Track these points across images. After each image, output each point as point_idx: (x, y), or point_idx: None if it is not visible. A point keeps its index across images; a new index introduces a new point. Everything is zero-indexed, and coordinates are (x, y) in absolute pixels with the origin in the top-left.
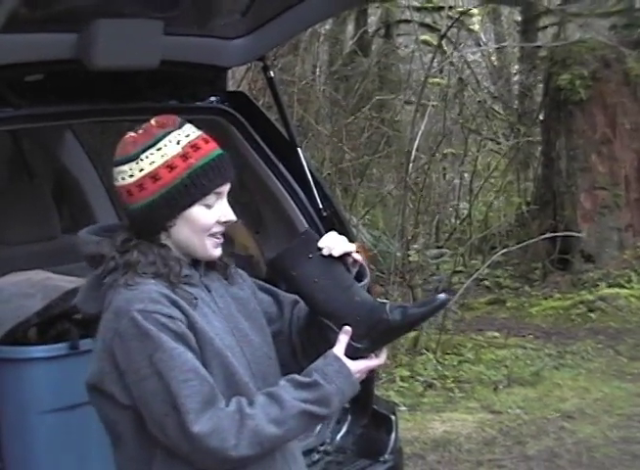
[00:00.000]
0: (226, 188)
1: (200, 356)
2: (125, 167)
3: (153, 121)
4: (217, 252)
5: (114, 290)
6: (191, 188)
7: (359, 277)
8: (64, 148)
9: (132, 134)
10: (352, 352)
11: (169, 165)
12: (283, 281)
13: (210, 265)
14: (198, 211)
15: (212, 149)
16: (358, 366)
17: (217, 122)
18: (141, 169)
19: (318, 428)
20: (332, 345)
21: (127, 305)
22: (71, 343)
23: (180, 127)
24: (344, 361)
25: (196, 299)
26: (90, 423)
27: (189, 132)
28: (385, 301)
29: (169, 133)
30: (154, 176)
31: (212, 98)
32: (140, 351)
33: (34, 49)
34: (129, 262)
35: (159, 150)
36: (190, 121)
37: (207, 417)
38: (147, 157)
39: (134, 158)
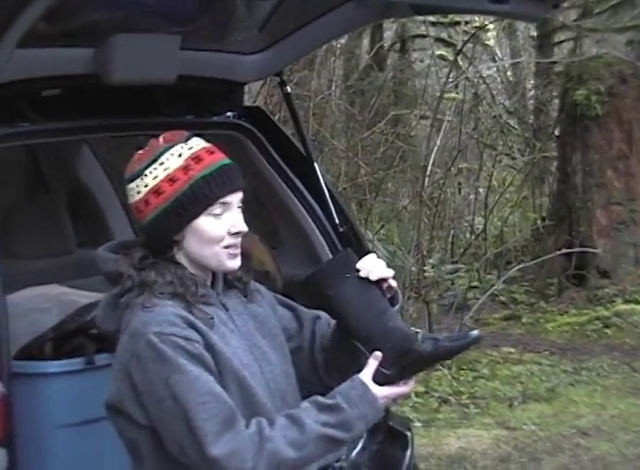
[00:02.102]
0: (235, 198)
1: (217, 377)
2: (133, 185)
3: (160, 138)
4: (234, 263)
5: (131, 310)
6: (193, 199)
7: (392, 302)
8: (80, 162)
9: (139, 152)
10: (380, 378)
11: (171, 179)
12: (317, 298)
13: (229, 283)
14: (205, 222)
15: (216, 159)
16: (384, 392)
17: (234, 137)
18: (146, 185)
19: None
20: (360, 367)
21: (144, 328)
22: (87, 358)
23: (186, 142)
24: (370, 387)
25: (212, 318)
26: (106, 438)
27: (192, 145)
28: (418, 330)
29: (172, 147)
30: (157, 191)
31: (229, 113)
32: (157, 373)
33: (52, 64)
34: (146, 282)
35: (161, 164)
36: (206, 136)
37: (226, 440)
38: (150, 172)
39: (139, 174)
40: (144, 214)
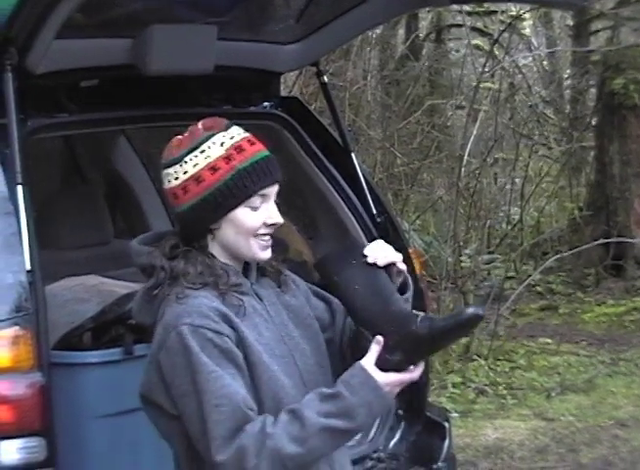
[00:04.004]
0: (273, 190)
1: (246, 372)
2: (171, 170)
3: (199, 124)
4: (265, 254)
5: (165, 303)
6: (234, 190)
7: (403, 288)
8: (117, 153)
9: (178, 137)
10: (385, 365)
11: (212, 167)
12: (326, 283)
13: (263, 273)
14: (243, 213)
15: (257, 151)
16: (388, 379)
17: (271, 127)
18: (185, 172)
19: (371, 434)
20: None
21: (175, 320)
22: (126, 348)
23: (226, 130)
24: (371, 373)
25: (244, 306)
26: (143, 429)
27: (234, 134)
28: (419, 313)
29: (213, 135)
30: (197, 179)
31: (266, 103)
32: (183, 367)
33: (90, 55)
34: (177, 273)
35: (202, 152)
36: (243, 126)
37: (234, 445)
38: (191, 159)
39: (179, 160)
40: (181, 201)
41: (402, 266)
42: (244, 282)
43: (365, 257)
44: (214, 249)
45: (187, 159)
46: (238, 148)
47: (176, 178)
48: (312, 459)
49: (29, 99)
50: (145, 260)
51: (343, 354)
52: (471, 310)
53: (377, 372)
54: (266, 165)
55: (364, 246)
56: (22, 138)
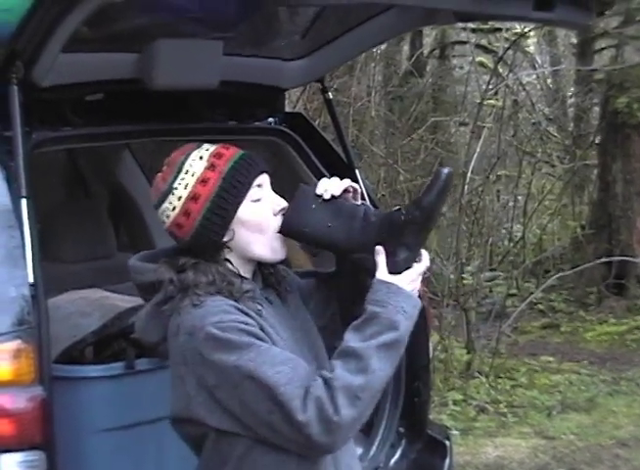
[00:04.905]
0: (265, 179)
1: None
2: (165, 204)
3: (172, 155)
4: (282, 252)
5: (177, 314)
6: (231, 190)
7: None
8: (121, 166)
9: (158, 174)
10: (396, 268)
11: (202, 180)
12: (301, 241)
13: (266, 281)
14: (249, 210)
15: (234, 152)
16: (407, 277)
17: (275, 143)
18: (179, 197)
19: (372, 451)
20: (373, 274)
21: (202, 322)
22: (127, 362)
23: (198, 147)
24: (390, 280)
25: (261, 309)
26: (145, 443)
27: (207, 147)
28: (397, 207)
29: (189, 155)
30: (193, 197)
31: (271, 119)
32: (226, 360)
33: (95, 68)
34: (188, 285)
35: (187, 173)
36: (248, 142)
37: (311, 399)
38: (179, 184)
39: (169, 191)
40: (186, 227)
41: (355, 186)
42: (254, 288)
43: (320, 196)
44: (232, 258)
45: (175, 185)
46: (217, 155)
47: (173, 208)
48: (380, 383)
49: (34, 112)
50: (151, 277)
51: (344, 316)
52: (444, 172)
53: (394, 277)
54: (249, 159)
55: (313, 188)
56: (27, 151)
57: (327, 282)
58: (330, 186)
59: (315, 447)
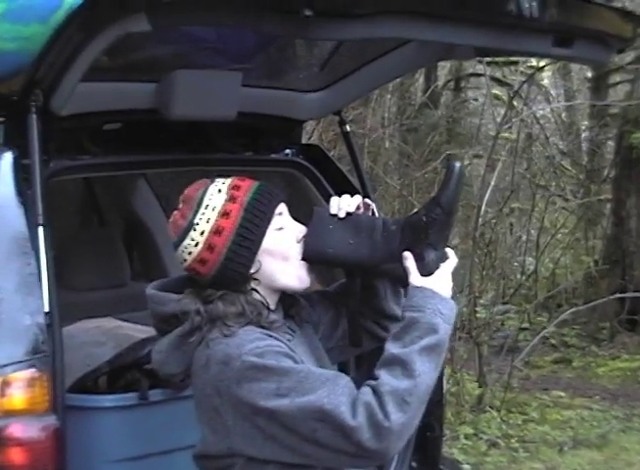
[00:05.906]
0: (285, 207)
1: None
2: (186, 241)
3: (186, 192)
4: (308, 280)
5: (205, 345)
6: (255, 220)
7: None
8: (137, 195)
9: (175, 213)
10: (427, 270)
11: (224, 213)
12: (326, 264)
13: (287, 311)
14: (273, 238)
15: (251, 183)
16: (438, 278)
17: (292, 175)
18: (202, 232)
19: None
20: (406, 281)
21: (239, 350)
22: (141, 393)
23: (213, 181)
24: (422, 284)
25: (290, 340)
26: None
27: (223, 181)
28: (417, 210)
29: (207, 190)
30: (216, 231)
31: (287, 150)
32: (267, 385)
33: (114, 98)
34: (217, 316)
35: (207, 207)
36: (265, 173)
37: (360, 405)
38: (200, 219)
39: (189, 227)
40: (211, 262)
41: (367, 202)
42: (279, 319)
43: (335, 215)
44: (258, 289)
45: (196, 220)
46: (235, 187)
47: (196, 244)
48: (426, 387)
49: (52, 140)
50: (174, 308)
51: (369, 330)
52: (456, 166)
53: (426, 280)
54: (267, 189)
55: (326, 209)
56: (44, 179)
57: (335, 302)
58: (342, 204)
59: (366, 455)
